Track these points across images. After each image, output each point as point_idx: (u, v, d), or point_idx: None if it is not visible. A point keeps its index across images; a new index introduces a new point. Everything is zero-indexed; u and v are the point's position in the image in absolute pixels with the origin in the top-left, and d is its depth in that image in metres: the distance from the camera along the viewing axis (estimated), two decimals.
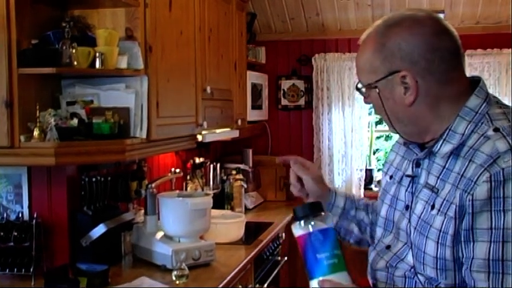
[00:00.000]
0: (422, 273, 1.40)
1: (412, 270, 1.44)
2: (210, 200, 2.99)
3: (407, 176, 1.51)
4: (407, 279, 1.45)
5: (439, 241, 1.34)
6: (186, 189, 3.87)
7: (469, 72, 4.44)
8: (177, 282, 2.61)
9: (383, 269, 1.52)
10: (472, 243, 1.27)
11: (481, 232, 1.26)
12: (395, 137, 1.62)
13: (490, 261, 1.25)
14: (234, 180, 4.31)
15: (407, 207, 1.48)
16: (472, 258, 1.28)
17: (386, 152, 6.18)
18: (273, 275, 3.68)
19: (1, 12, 2.25)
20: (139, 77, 2.60)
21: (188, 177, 3.97)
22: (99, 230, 2.64)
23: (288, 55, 5.18)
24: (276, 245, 3.87)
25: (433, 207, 1.37)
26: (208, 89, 3.34)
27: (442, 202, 1.35)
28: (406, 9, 1.48)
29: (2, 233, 2.58)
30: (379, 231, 1.59)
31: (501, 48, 4.74)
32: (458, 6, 4.66)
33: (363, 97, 1.50)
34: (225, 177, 4.36)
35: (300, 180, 1.69)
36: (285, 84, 5.20)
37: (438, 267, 1.36)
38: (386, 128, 1.53)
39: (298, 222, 1.33)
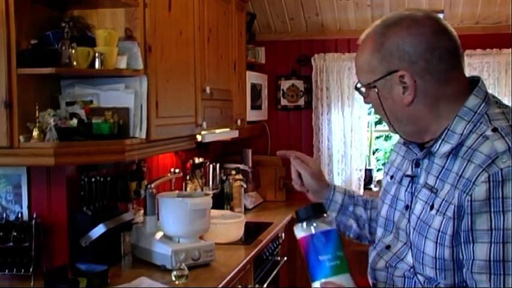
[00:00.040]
0: (422, 273, 1.41)
1: (412, 270, 1.44)
2: (209, 200, 2.99)
3: (407, 176, 1.51)
4: (406, 279, 1.45)
5: (438, 241, 1.34)
6: (185, 190, 3.87)
7: (468, 72, 4.44)
8: (177, 282, 2.61)
9: (383, 269, 1.52)
10: (471, 245, 1.27)
11: (481, 233, 1.26)
12: (395, 137, 1.62)
13: (490, 262, 1.25)
14: (233, 181, 4.31)
15: (407, 207, 1.48)
16: (473, 259, 1.27)
17: (385, 152, 6.18)
18: (273, 275, 3.68)
19: (0, 13, 2.25)
20: (139, 77, 2.59)
21: (188, 178, 3.97)
22: (99, 230, 2.64)
23: (288, 55, 5.18)
24: (275, 245, 3.87)
25: (432, 207, 1.37)
26: (208, 89, 3.34)
27: (441, 202, 1.35)
28: (405, 9, 1.47)
29: (1, 233, 2.58)
30: (379, 231, 1.59)
31: (500, 48, 4.74)
32: (458, 6, 4.66)
33: (362, 97, 1.50)
34: (224, 178, 4.36)
35: (300, 175, 1.73)
36: (285, 84, 5.20)
37: (437, 267, 1.36)
38: (386, 128, 1.54)
39: (300, 224, 1.33)
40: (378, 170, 5.43)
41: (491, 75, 4.75)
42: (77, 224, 2.71)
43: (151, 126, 2.63)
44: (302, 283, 4.40)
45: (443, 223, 1.33)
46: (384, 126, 5.14)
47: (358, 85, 1.48)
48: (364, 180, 5.03)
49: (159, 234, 2.93)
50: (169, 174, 3.46)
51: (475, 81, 1.42)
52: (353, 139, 5.01)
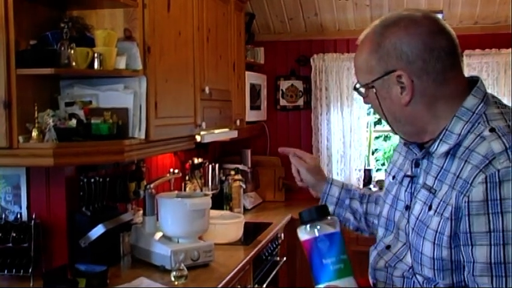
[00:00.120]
0: (420, 274, 1.41)
1: (411, 270, 1.44)
2: (208, 201, 2.99)
3: (407, 176, 1.52)
4: (405, 279, 1.46)
5: (436, 242, 1.34)
6: (184, 190, 3.87)
7: (467, 72, 4.46)
8: (176, 282, 2.61)
9: (382, 269, 1.52)
10: (470, 247, 1.27)
11: (480, 236, 1.26)
12: (395, 137, 1.63)
13: (492, 264, 1.25)
14: (232, 181, 4.31)
15: (407, 207, 1.49)
16: (474, 262, 1.27)
17: (385, 152, 6.18)
18: (272, 275, 3.67)
19: None
20: (138, 77, 2.59)
21: (187, 178, 3.97)
22: (98, 230, 2.64)
23: (287, 55, 5.18)
24: (274, 246, 3.87)
25: (430, 207, 1.38)
26: (207, 90, 3.34)
27: (439, 203, 1.35)
28: (404, 10, 1.48)
29: (0, 234, 2.58)
30: (380, 231, 1.60)
31: (500, 48, 4.74)
32: (457, 7, 4.66)
33: (362, 97, 1.51)
34: (223, 178, 4.37)
35: (299, 171, 1.83)
36: (284, 84, 5.20)
37: (435, 268, 1.36)
38: (385, 128, 1.54)
39: (304, 227, 1.33)
40: (377, 170, 5.43)
41: (490, 75, 4.76)
42: (76, 225, 2.71)
43: (150, 127, 2.63)
44: (301, 283, 4.40)
45: (440, 224, 1.33)
46: (384, 127, 5.15)
47: (357, 85, 1.48)
48: (364, 180, 5.03)
49: (158, 235, 2.93)
50: (168, 175, 3.46)
51: (474, 81, 1.42)
52: (352, 139, 5.01)
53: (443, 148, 1.38)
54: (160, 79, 2.75)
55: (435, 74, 1.36)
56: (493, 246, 1.24)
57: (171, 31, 2.89)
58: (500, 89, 4.71)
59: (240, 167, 4.62)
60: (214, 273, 2.81)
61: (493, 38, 4.78)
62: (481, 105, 1.37)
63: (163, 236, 2.92)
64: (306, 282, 4.32)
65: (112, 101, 2.56)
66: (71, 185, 2.72)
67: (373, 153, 5.49)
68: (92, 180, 2.75)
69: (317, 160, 1.91)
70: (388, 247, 1.53)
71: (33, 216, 2.61)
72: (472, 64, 4.76)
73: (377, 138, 5.86)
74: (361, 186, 5.01)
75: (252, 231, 3.71)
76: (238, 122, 4.05)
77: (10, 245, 2.56)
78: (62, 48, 2.33)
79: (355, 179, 5.02)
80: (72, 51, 2.34)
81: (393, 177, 1.60)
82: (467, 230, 1.27)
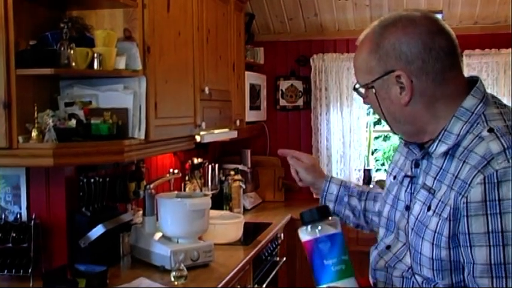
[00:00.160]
0: (420, 274, 1.41)
1: (410, 270, 1.44)
2: (208, 201, 2.99)
3: (407, 176, 1.52)
4: (405, 280, 1.46)
5: (434, 242, 1.34)
6: (184, 190, 3.87)
7: (467, 72, 4.45)
8: (176, 283, 2.61)
9: (382, 269, 1.53)
10: (470, 248, 1.27)
11: (478, 237, 1.25)
12: (394, 137, 1.64)
13: (492, 266, 1.24)
14: (232, 181, 4.31)
15: (407, 207, 1.49)
16: (473, 263, 1.27)
17: (384, 153, 6.18)
18: (272, 275, 3.68)
19: None
20: (138, 77, 2.59)
21: (187, 178, 3.97)
22: (98, 230, 2.64)
23: (286, 55, 5.18)
24: (274, 246, 3.87)
25: (429, 208, 1.38)
26: (207, 90, 3.34)
27: (438, 203, 1.35)
28: (404, 10, 1.48)
29: (0, 234, 2.58)
30: (381, 231, 1.60)
31: (499, 49, 4.74)
32: (457, 7, 4.66)
33: (362, 98, 1.51)
34: (223, 178, 4.37)
35: (298, 172, 1.87)
36: (283, 84, 5.20)
37: (434, 268, 1.36)
38: (385, 128, 1.55)
39: (305, 227, 1.32)
40: (377, 170, 5.43)
41: (490, 76, 4.76)
42: (76, 225, 2.71)
43: (150, 127, 2.63)
44: (301, 283, 4.40)
45: (439, 224, 1.33)
46: (383, 127, 5.15)
47: (357, 86, 1.48)
48: (363, 180, 5.02)
49: (158, 235, 2.93)
50: (168, 175, 3.46)
51: (474, 82, 1.42)
52: (352, 139, 5.01)
53: (442, 148, 1.38)
54: (160, 79, 2.75)
55: (434, 74, 1.36)
56: (492, 247, 1.24)
57: (170, 31, 2.89)
58: (500, 89, 4.71)
59: (240, 167, 4.62)
60: (214, 274, 2.81)
61: (493, 38, 4.78)
62: (480, 105, 1.37)
63: (163, 236, 2.92)
64: (305, 283, 4.32)
65: (112, 101, 2.56)
66: (70, 185, 2.72)
67: (372, 154, 5.49)
68: (92, 180, 2.75)
69: (314, 159, 1.93)
70: (388, 247, 1.53)
71: (33, 216, 2.61)
72: (471, 64, 4.76)
73: (376, 138, 5.85)
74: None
75: (251, 232, 3.71)
76: (238, 122, 4.05)
77: (10, 245, 2.56)
78: (62, 49, 2.33)
79: (355, 179, 5.01)
80: (72, 52, 2.34)
81: (394, 178, 1.60)
82: (466, 231, 1.27)
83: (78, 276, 2.47)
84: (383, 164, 5.98)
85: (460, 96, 1.38)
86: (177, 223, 2.88)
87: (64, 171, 2.69)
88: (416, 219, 1.41)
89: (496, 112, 1.36)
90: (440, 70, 1.36)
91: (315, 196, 1.91)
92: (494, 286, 1.24)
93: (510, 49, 4.66)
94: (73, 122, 2.41)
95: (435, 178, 1.39)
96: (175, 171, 3.50)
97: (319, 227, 1.31)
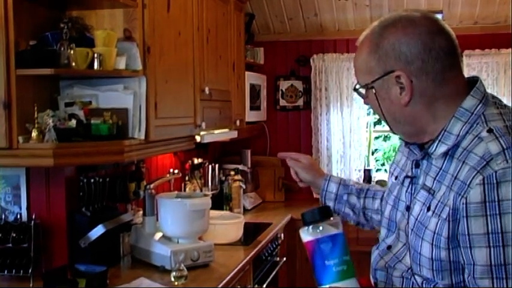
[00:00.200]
0: (419, 274, 1.41)
1: (409, 271, 1.44)
2: (208, 201, 2.99)
3: (407, 176, 1.52)
4: (404, 280, 1.46)
5: (434, 243, 1.34)
6: (184, 190, 3.87)
7: (467, 72, 4.45)
8: (176, 283, 2.61)
9: (382, 269, 1.53)
10: (470, 249, 1.27)
11: (478, 238, 1.25)
12: (394, 137, 1.64)
13: (492, 267, 1.24)
14: (232, 181, 4.31)
15: (407, 208, 1.49)
16: (474, 264, 1.27)
17: (384, 153, 6.18)
18: (272, 275, 3.68)
19: None
20: (138, 77, 2.59)
21: (187, 178, 3.97)
22: (98, 231, 2.64)
23: (286, 56, 5.18)
24: (274, 246, 3.87)
25: (429, 208, 1.37)
26: (207, 90, 3.34)
27: (437, 204, 1.35)
28: (403, 10, 1.48)
29: (0, 234, 2.58)
30: (383, 232, 1.60)
31: (499, 49, 4.74)
32: (457, 7, 4.66)
33: (362, 98, 1.51)
34: (223, 178, 4.37)
35: (297, 173, 1.91)
36: (284, 84, 5.20)
37: (434, 269, 1.36)
38: (385, 128, 1.55)
39: (306, 228, 1.32)
40: (377, 170, 5.43)
41: (490, 76, 4.76)
42: (76, 225, 2.71)
43: (150, 127, 2.63)
44: (301, 283, 4.40)
45: (438, 225, 1.33)
46: (383, 127, 5.15)
47: (357, 86, 1.48)
48: (363, 180, 5.02)
49: (158, 235, 2.93)
50: (168, 175, 3.46)
51: (474, 82, 1.42)
52: (352, 139, 5.01)
53: (442, 149, 1.38)
54: (160, 79, 2.75)
55: (434, 74, 1.36)
56: (492, 248, 1.24)
57: (170, 31, 2.89)
58: (500, 89, 4.71)
59: (240, 167, 4.62)
60: (214, 274, 2.81)
61: (493, 38, 4.78)
62: (480, 105, 1.37)
63: (163, 236, 2.92)
64: (305, 283, 4.32)
65: (112, 101, 2.56)
66: (70, 185, 2.72)
67: (372, 154, 5.49)
68: (92, 180, 2.75)
69: (312, 159, 1.97)
70: (389, 247, 1.54)
71: (33, 216, 2.61)
72: (471, 64, 4.76)
73: (377, 138, 5.86)
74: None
75: (251, 232, 3.71)
76: (238, 122, 4.05)
77: (10, 245, 2.56)
78: (62, 49, 2.33)
79: (355, 179, 5.01)
80: (72, 52, 2.34)
81: (396, 178, 1.60)
82: (466, 232, 1.27)
83: (78, 277, 2.47)
84: (383, 164, 5.98)
85: (460, 97, 1.38)
86: (177, 223, 2.88)
87: (64, 171, 2.69)
88: (416, 219, 1.41)
89: (496, 112, 1.36)
90: (440, 70, 1.36)
91: (314, 196, 1.93)
92: (495, 287, 1.24)
93: (510, 49, 4.66)
94: (73, 122, 2.41)
95: (435, 178, 1.39)
96: (176, 171, 3.50)
97: (321, 228, 1.31)
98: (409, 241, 1.45)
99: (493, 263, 1.24)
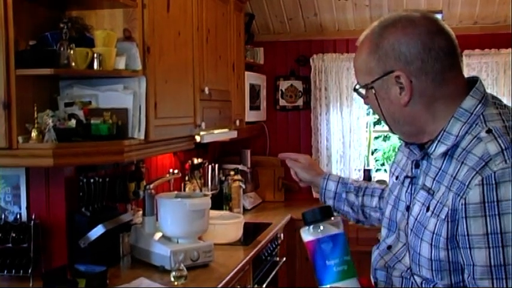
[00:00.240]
0: (419, 274, 1.41)
1: (408, 271, 1.45)
2: (208, 201, 2.99)
3: (407, 177, 1.52)
4: (404, 280, 1.46)
5: (433, 243, 1.34)
6: (184, 190, 3.87)
7: (467, 72, 4.45)
8: (176, 283, 2.61)
9: (382, 269, 1.53)
10: (469, 250, 1.27)
11: (478, 238, 1.25)
12: (394, 137, 1.64)
13: (492, 267, 1.24)
14: (232, 181, 4.31)
15: (407, 208, 1.49)
16: (473, 265, 1.27)
17: (384, 153, 6.18)
18: (272, 275, 3.68)
19: None
20: (138, 77, 2.59)
21: (186, 178, 3.97)
22: (98, 231, 2.64)
23: (286, 56, 5.18)
24: (274, 246, 3.87)
25: (428, 209, 1.37)
26: (207, 90, 3.34)
27: (436, 204, 1.35)
28: (403, 10, 1.48)
29: (0, 234, 2.58)
30: (383, 232, 1.60)
31: (499, 49, 4.74)
32: (456, 7, 4.66)
33: (362, 98, 1.51)
34: (223, 178, 4.37)
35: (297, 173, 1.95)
36: (283, 84, 5.20)
37: (433, 269, 1.36)
38: (385, 128, 1.55)
39: (307, 227, 1.32)
40: (377, 170, 5.43)
41: (490, 76, 4.76)
42: (76, 225, 2.71)
43: (150, 127, 2.63)
44: (301, 283, 4.40)
45: (437, 225, 1.33)
46: (383, 127, 5.15)
47: (357, 86, 1.48)
48: (363, 180, 5.02)
49: (158, 235, 2.93)
50: (168, 175, 3.46)
51: (474, 82, 1.42)
52: (352, 139, 5.01)
53: (441, 149, 1.38)
54: (159, 79, 2.75)
55: (434, 74, 1.36)
56: (492, 249, 1.23)
57: (170, 31, 2.89)
58: (499, 89, 4.71)
59: (240, 167, 4.63)
60: (214, 274, 2.81)
61: (493, 38, 4.78)
62: (479, 106, 1.37)
63: (163, 236, 2.92)
64: (305, 283, 4.32)
65: (111, 101, 2.56)
66: (70, 185, 2.72)
67: (372, 154, 5.49)
68: (92, 180, 2.75)
69: (310, 159, 1.99)
70: (389, 247, 1.54)
71: (33, 216, 2.61)
72: (471, 64, 4.76)
73: (376, 138, 5.85)
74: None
75: (251, 232, 3.71)
76: (237, 122, 4.06)
77: (10, 245, 2.56)
78: (62, 49, 2.33)
79: (355, 178, 5.01)
80: (72, 52, 2.34)
81: (396, 178, 1.60)
82: (465, 232, 1.27)
83: (78, 277, 2.47)
84: (383, 164, 5.98)
85: (459, 97, 1.38)
86: (177, 223, 2.88)
87: (64, 171, 2.69)
88: (416, 220, 1.41)
89: (495, 113, 1.36)
90: (439, 70, 1.36)
91: (314, 196, 1.95)
92: (495, 287, 1.24)
93: (510, 49, 4.66)
94: (73, 122, 2.41)
95: (434, 179, 1.39)
96: (175, 171, 3.50)
97: (322, 227, 1.31)
98: (408, 241, 1.45)
99: (492, 263, 1.24)
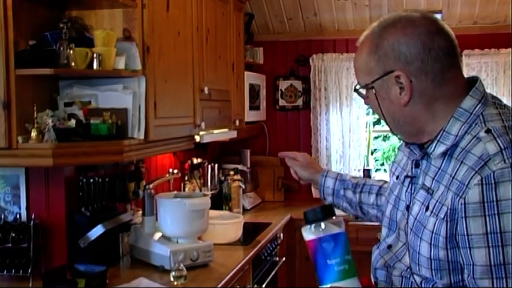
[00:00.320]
0: (418, 274, 1.41)
1: (408, 270, 1.45)
2: (208, 201, 2.99)
3: (407, 176, 1.52)
4: (403, 279, 1.46)
5: (432, 242, 1.35)
6: (184, 190, 3.87)
7: (466, 72, 4.45)
8: (175, 283, 2.61)
9: (382, 268, 1.53)
10: (469, 250, 1.27)
11: (477, 238, 1.25)
12: (394, 137, 1.65)
13: (491, 267, 1.24)
14: (232, 181, 4.31)
15: (407, 207, 1.49)
16: (473, 265, 1.27)
17: (384, 153, 6.18)
18: (271, 275, 3.68)
19: None
20: (137, 77, 2.60)
21: (186, 178, 3.97)
22: (97, 230, 2.64)
23: (286, 55, 5.18)
24: (274, 246, 3.87)
25: (427, 208, 1.38)
26: (206, 90, 3.34)
27: (435, 203, 1.35)
28: (403, 10, 1.48)
29: (0, 234, 2.58)
30: (384, 231, 1.61)
31: (499, 48, 4.74)
32: (456, 7, 4.66)
33: (362, 98, 1.51)
34: (223, 178, 4.37)
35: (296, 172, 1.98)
36: (283, 84, 5.20)
37: (433, 268, 1.36)
38: (384, 128, 1.55)
39: (308, 226, 1.32)
40: (377, 170, 5.43)
41: (490, 76, 4.76)
42: (76, 225, 2.71)
43: (149, 127, 2.63)
44: (300, 283, 4.40)
45: (436, 225, 1.33)
46: (383, 127, 5.15)
47: (357, 86, 1.48)
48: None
49: (158, 235, 2.93)
50: (167, 175, 3.46)
51: (474, 82, 1.42)
52: (351, 139, 5.01)
53: (441, 149, 1.38)
54: (159, 79, 2.75)
55: (434, 74, 1.37)
56: (491, 248, 1.24)
57: (170, 31, 2.89)
58: (499, 89, 4.71)
59: (239, 167, 4.63)
60: (214, 274, 2.81)
61: (492, 38, 4.78)
62: (479, 106, 1.37)
63: (163, 236, 2.92)
64: (305, 282, 4.32)
65: (111, 101, 2.56)
66: (70, 185, 2.72)
67: (372, 153, 5.49)
68: (91, 180, 2.75)
69: (309, 157, 2.02)
70: (389, 247, 1.54)
71: (33, 216, 2.61)
72: (471, 64, 4.76)
73: (376, 138, 5.86)
74: None
75: (251, 232, 3.71)
76: (237, 122, 4.06)
77: (9, 245, 2.56)
78: (61, 49, 2.33)
79: None
80: (71, 52, 2.34)
81: (397, 177, 1.61)
82: (465, 232, 1.27)
83: (78, 276, 2.47)
84: (382, 164, 5.98)
85: (459, 97, 1.38)
86: (176, 223, 2.88)
87: (63, 171, 2.69)
88: (415, 219, 1.42)
89: (495, 113, 1.36)
90: (439, 70, 1.36)
91: (314, 196, 1.95)
92: (495, 287, 1.24)
93: (510, 49, 4.66)
94: (72, 122, 2.41)
95: (434, 178, 1.39)
96: (175, 171, 3.50)
97: (323, 226, 1.31)
98: (408, 240, 1.45)
99: (492, 263, 1.24)
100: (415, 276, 1.42)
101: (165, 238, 2.90)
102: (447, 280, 1.35)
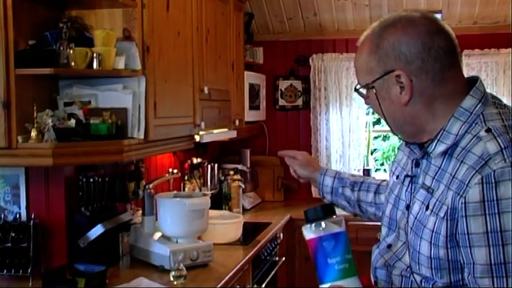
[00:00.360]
0: (418, 273, 1.41)
1: (408, 269, 1.45)
2: (207, 201, 2.99)
3: (407, 176, 1.52)
4: (403, 278, 1.46)
5: (432, 241, 1.35)
6: (183, 190, 3.87)
7: (466, 72, 4.42)
8: (175, 282, 2.61)
9: (382, 268, 1.54)
10: (469, 249, 1.28)
11: (478, 237, 1.26)
12: (394, 137, 1.65)
13: (492, 266, 1.25)
14: (231, 181, 4.31)
15: (407, 207, 1.49)
16: (473, 264, 1.27)
17: (384, 152, 6.18)
18: (271, 275, 3.68)
19: None
20: (137, 77, 2.60)
21: (186, 178, 3.97)
22: (97, 230, 2.64)
23: (286, 55, 5.18)
24: (273, 246, 3.87)
25: (427, 207, 1.38)
26: (206, 90, 3.34)
27: (435, 203, 1.36)
28: (403, 10, 1.48)
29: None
30: (384, 230, 1.61)
31: (499, 48, 4.74)
32: (456, 6, 4.66)
33: (363, 98, 1.52)
34: (222, 178, 4.37)
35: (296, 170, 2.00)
36: (283, 84, 5.20)
37: (433, 267, 1.36)
38: (384, 128, 1.55)
39: (309, 225, 1.32)
40: (376, 170, 5.42)
41: (490, 75, 4.76)
42: (75, 225, 2.71)
43: (149, 127, 2.63)
44: (300, 283, 4.40)
45: (436, 224, 1.34)
46: (382, 127, 5.15)
47: (358, 86, 1.49)
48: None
49: (158, 235, 2.93)
50: (167, 175, 3.47)
51: (474, 81, 1.42)
52: (351, 139, 5.01)
53: (441, 148, 1.38)
54: (159, 79, 2.75)
55: (434, 73, 1.37)
56: (492, 247, 1.24)
57: (170, 31, 2.89)
58: (499, 89, 4.71)
59: (239, 167, 4.63)
60: (213, 273, 2.81)
61: (492, 37, 4.78)
62: (479, 105, 1.37)
63: (163, 236, 2.92)
64: (305, 282, 4.32)
65: (111, 101, 2.56)
66: (70, 185, 2.72)
67: (372, 153, 5.49)
68: (91, 180, 2.75)
69: (308, 155, 2.03)
70: (389, 246, 1.54)
71: (32, 216, 2.61)
72: (471, 64, 4.76)
73: (376, 138, 5.85)
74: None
75: (251, 231, 3.71)
76: (237, 122, 4.06)
77: (9, 245, 2.56)
78: (61, 48, 2.33)
79: None
80: (71, 51, 2.34)
81: (397, 177, 1.61)
82: (465, 231, 1.27)
83: (78, 276, 2.47)
84: (382, 164, 5.98)
85: (459, 96, 1.39)
86: (176, 223, 2.88)
87: (63, 171, 2.69)
88: (415, 218, 1.42)
89: (495, 112, 1.37)
90: (439, 69, 1.37)
91: (314, 196, 1.96)
92: (495, 286, 1.25)
93: (509, 49, 4.66)
94: (72, 122, 2.41)
95: (434, 178, 1.40)
96: (175, 171, 3.50)
97: (323, 225, 1.31)
98: (408, 240, 1.45)
99: (492, 262, 1.24)
100: (415, 276, 1.42)
101: (165, 238, 2.90)
102: (447, 279, 1.35)
